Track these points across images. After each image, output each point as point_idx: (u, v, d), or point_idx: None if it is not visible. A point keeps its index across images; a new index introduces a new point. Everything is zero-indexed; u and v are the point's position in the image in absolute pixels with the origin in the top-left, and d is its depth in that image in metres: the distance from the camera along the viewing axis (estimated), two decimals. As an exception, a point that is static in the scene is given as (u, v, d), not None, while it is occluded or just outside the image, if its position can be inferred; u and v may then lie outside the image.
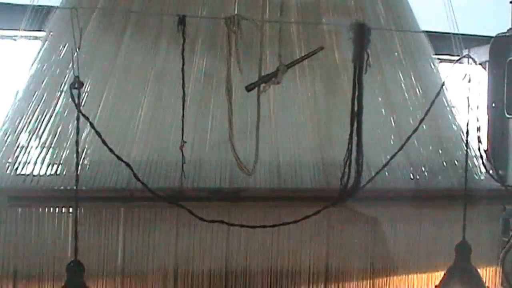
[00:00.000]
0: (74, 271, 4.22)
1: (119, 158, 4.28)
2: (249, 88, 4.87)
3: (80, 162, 4.77)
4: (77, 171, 4.24)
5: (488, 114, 7.91)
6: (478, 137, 5.18)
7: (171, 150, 4.94)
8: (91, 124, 4.21)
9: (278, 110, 5.37)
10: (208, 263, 5.11)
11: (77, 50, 4.16)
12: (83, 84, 4.18)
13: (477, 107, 5.14)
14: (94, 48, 5.16)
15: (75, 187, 4.16)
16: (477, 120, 5.11)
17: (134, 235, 4.97)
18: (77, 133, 4.17)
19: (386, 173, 5.28)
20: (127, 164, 4.32)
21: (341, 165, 4.80)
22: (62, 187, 4.82)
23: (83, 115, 4.13)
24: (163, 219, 5.00)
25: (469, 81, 5.03)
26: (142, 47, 5.25)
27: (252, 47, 5.03)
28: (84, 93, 4.89)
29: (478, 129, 5.10)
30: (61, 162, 4.94)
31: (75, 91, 4.09)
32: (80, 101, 4.11)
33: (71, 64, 4.69)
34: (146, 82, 5.20)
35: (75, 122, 4.13)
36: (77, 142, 4.19)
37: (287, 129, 5.35)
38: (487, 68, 7.98)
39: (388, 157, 5.00)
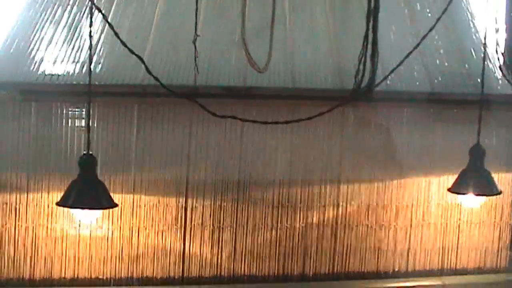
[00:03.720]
0: (87, 164, 4.26)
1: (131, 51, 4.24)
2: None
3: (94, 59, 4.77)
4: (90, 64, 4.24)
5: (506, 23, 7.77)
6: (496, 40, 5.13)
7: (185, 48, 4.89)
8: (103, 15, 4.17)
9: (293, 11, 5.29)
10: (220, 161, 5.14)
11: None
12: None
13: (496, 11, 5.08)
14: None
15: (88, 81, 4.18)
16: (496, 22, 5.05)
17: (147, 132, 4.99)
18: (90, 25, 4.16)
19: (401, 76, 5.24)
20: (139, 58, 4.28)
21: (356, 67, 4.78)
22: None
23: (96, 6, 4.09)
24: (176, 116, 5.01)
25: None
26: None
27: None
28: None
29: (497, 30, 5.03)
30: (76, 60, 4.92)
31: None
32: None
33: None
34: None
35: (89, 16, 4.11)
36: (90, 35, 4.18)
37: (302, 31, 5.29)
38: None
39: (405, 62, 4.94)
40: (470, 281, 5.63)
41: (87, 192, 4.23)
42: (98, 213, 4.45)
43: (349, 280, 5.46)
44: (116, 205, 4.34)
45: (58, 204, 4.28)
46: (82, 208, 4.25)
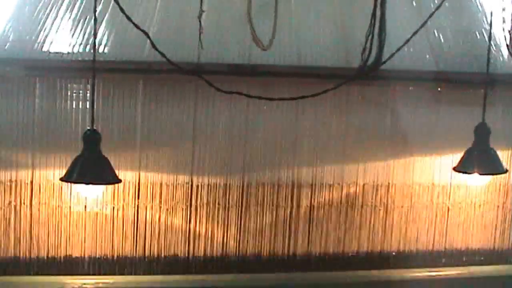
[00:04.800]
0: (91, 139, 4.26)
1: (136, 26, 4.24)
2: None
3: (99, 36, 4.77)
4: (94, 39, 4.24)
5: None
6: (503, 19, 5.10)
7: (189, 24, 4.86)
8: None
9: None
10: (226, 139, 5.14)
11: None
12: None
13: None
14: None
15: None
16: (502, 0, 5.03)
17: (152, 109, 4.98)
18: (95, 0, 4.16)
19: (407, 55, 5.21)
20: (145, 33, 4.28)
21: (362, 44, 4.76)
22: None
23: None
24: (181, 93, 5.00)
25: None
26: None
27: None
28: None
29: (503, 9, 5.01)
30: (81, 38, 4.91)
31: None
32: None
33: None
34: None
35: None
36: (94, 10, 4.18)
37: (308, 8, 5.25)
38: None
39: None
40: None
41: (91, 168, 4.23)
42: (102, 188, 4.46)
43: (355, 262, 5.48)
44: (120, 181, 4.35)
45: (62, 179, 4.28)
46: (86, 183, 4.26)
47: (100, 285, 5.01)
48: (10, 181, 4.89)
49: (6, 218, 4.91)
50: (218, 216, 5.21)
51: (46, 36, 4.83)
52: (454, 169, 5.06)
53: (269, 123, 5.18)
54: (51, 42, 4.81)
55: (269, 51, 4.92)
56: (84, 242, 5.02)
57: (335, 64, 5.16)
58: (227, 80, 4.87)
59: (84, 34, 4.85)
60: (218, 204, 5.20)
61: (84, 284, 4.97)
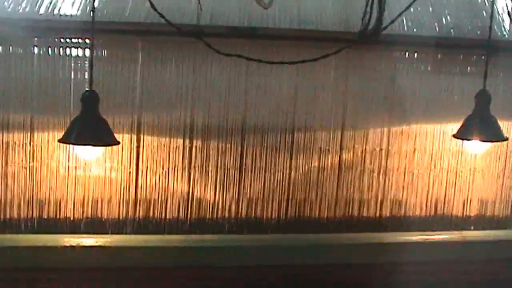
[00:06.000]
0: (89, 100, 4.24)
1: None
2: None
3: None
4: (93, 0, 4.20)
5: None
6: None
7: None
8: None
9: None
10: (225, 102, 5.12)
11: None
12: None
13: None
14: None
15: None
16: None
17: (152, 70, 4.95)
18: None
19: (408, 20, 5.20)
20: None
21: (363, 8, 4.72)
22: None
23: None
24: (180, 55, 4.96)
25: None
26: None
27: None
28: None
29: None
30: (81, 3, 4.87)
31: None
32: None
33: None
34: None
35: None
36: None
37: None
38: None
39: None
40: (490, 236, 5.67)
41: (89, 129, 4.20)
42: (100, 150, 4.45)
43: (351, 227, 5.49)
44: (118, 143, 4.33)
45: (60, 141, 4.26)
46: (84, 145, 4.25)
47: (99, 243, 5.02)
48: (9, 142, 4.88)
49: (4, 180, 4.92)
50: (216, 179, 5.21)
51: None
52: (454, 136, 5.04)
53: (269, 86, 5.15)
54: (50, 3, 4.77)
55: (269, 13, 4.88)
56: (82, 204, 5.02)
57: (336, 28, 5.13)
58: (227, 42, 4.84)
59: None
60: (217, 167, 5.19)
61: (82, 243, 4.98)
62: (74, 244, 4.95)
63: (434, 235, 5.56)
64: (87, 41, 4.73)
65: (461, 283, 5.53)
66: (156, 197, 5.14)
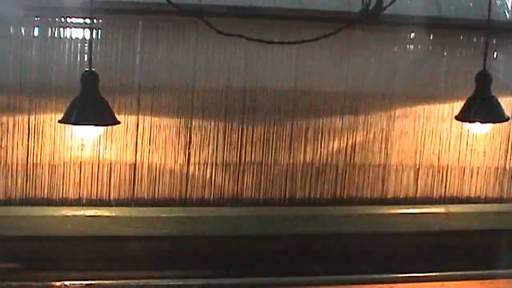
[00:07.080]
0: (89, 80, 4.21)
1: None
2: None
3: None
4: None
5: None
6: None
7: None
8: None
9: None
10: (225, 79, 5.13)
11: None
12: None
13: None
14: None
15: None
16: None
17: (152, 51, 4.95)
18: None
19: (409, 0, 5.20)
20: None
21: (364, -12, 4.71)
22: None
23: None
24: (181, 35, 4.97)
25: None
26: None
27: None
28: None
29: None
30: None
31: None
32: None
33: None
34: None
35: None
36: None
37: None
38: None
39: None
40: (474, 209, 5.66)
41: (89, 109, 4.15)
42: (100, 130, 4.43)
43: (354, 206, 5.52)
44: (118, 122, 4.30)
45: (60, 121, 4.24)
46: (84, 125, 4.23)
47: (102, 215, 5.02)
48: (6, 123, 4.89)
49: (4, 160, 4.92)
50: (216, 158, 5.22)
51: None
52: (456, 117, 5.02)
53: (269, 66, 5.16)
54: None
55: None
56: (81, 184, 5.03)
57: (336, 8, 5.11)
58: (227, 22, 4.82)
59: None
60: (217, 145, 5.20)
61: (86, 214, 4.99)
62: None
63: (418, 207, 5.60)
64: (87, 21, 4.72)
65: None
66: (156, 177, 5.15)
